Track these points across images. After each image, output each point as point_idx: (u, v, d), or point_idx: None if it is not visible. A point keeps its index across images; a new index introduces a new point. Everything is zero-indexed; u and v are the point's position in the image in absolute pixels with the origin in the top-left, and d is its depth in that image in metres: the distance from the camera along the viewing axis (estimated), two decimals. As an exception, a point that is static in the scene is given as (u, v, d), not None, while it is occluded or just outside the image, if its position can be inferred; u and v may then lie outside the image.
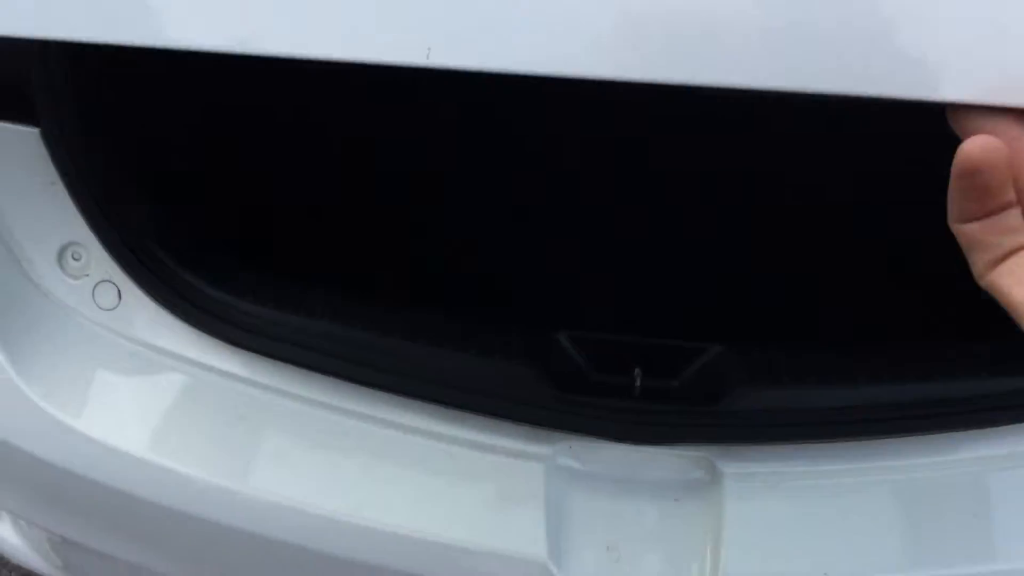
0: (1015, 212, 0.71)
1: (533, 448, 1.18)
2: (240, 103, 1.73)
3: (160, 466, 1.19)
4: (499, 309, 1.40)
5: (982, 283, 0.73)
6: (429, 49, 0.85)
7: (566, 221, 1.81)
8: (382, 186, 1.92)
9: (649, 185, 1.89)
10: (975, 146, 0.70)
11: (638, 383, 1.18)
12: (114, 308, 1.24)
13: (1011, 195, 0.71)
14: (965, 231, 0.72)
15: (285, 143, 1.86)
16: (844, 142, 1.90)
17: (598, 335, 1.22)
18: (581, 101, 2.03)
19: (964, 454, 1.16)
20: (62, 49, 1.11)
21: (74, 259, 1.23)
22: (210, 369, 1.23)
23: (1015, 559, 1.12)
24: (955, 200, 0.72)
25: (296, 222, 1.72)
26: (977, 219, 0.72)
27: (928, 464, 1.16)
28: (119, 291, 1.23)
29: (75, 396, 1.22)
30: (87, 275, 1.23)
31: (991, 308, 0.73)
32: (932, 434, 1.16)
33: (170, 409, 1.23)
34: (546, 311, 1.39)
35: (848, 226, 1.83)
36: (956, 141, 0.71)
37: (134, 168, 1.26)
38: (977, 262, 0.73)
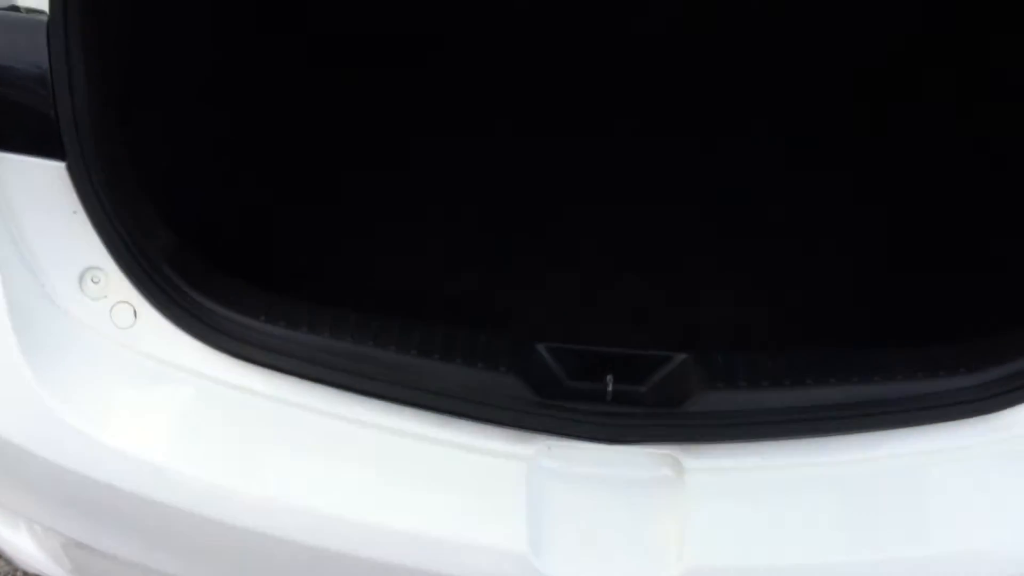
0: None
1: (515, 449, 1.28)
2: (255, 135, 1.83)
3: (171, 470, 1.28)
4: (483, 324, 1.50)
5: None
6: None
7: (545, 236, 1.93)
8: (378, 205, 2.02)
9: (624, 204, 2.02)
10: None
11: (610, 389, 1.29)
12: (130, 327, 1.33)
13: None
14: None
15: (289, 175, 1.96)
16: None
17: (573, 346, 1.32)
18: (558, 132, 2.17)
19: (900, 449, 1.27)
20: (88, 90, 1.21)
21: (93, 282, 1.32)
22: (218, 381, 1.33)
23: (946, 543, 1.24)
24: None
25: (301, 246, 1.81)
26: None
27: (869, 459, 1.27)
28: (135, 311, 1.32)
29: (94, 407, 1.31)
30: (105, 296, 1.33)
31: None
32: (873, 431, 1.27)
33: (182, 418, 1.33)
34: (527, 325, 1.48)
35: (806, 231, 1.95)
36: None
37: (150, 199, 1.35)
38: None
